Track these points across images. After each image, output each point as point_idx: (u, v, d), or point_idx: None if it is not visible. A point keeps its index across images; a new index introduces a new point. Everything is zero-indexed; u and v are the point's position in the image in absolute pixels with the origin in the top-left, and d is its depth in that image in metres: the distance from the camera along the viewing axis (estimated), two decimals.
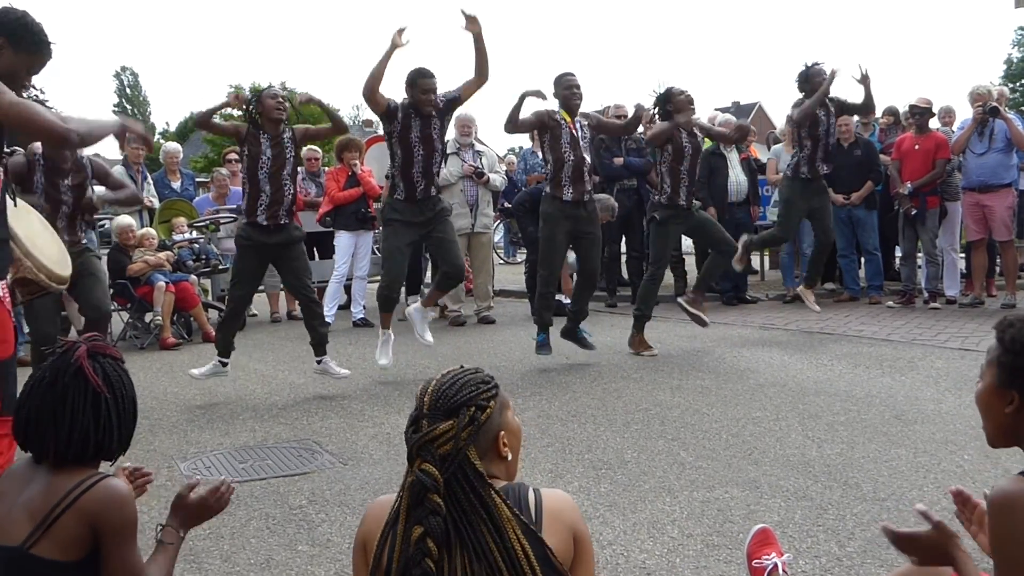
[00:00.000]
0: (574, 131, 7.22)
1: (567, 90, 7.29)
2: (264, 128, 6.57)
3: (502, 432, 2.02)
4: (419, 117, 6.76)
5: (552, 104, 7.28)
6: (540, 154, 7.83)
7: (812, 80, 8.39)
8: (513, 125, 7.20)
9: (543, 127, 7.24)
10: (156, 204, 10.59)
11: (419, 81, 6.72)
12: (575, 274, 8.09)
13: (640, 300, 8.01)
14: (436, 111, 6.80)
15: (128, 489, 2.25)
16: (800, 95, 8.56)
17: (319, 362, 6.89)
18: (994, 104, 9.35)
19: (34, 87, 4.92)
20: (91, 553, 2.16)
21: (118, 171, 10.09)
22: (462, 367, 2.05)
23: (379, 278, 12.39)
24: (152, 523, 4.07)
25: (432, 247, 7.45)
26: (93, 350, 2.28)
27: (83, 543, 2.14)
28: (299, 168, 7.75)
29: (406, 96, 6.79)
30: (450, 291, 7.80)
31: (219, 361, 6.74)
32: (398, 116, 6.75)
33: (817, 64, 8.43)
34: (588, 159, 7.32)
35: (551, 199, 7.27)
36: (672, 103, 7.71)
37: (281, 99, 6.60)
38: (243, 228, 6.69)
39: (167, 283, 9.18)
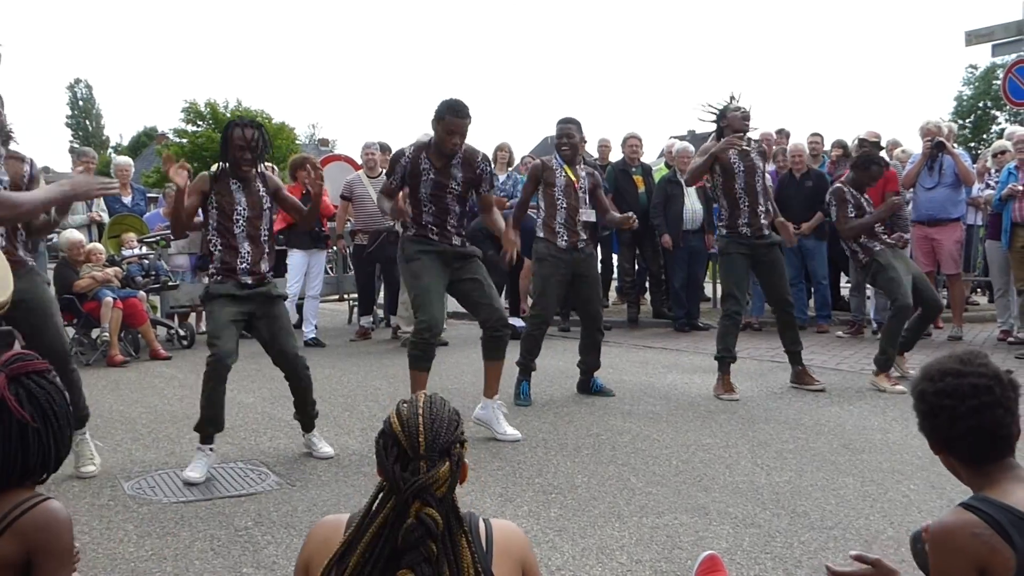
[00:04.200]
0: (573, 179, 6.94)
1: (557, 138, 7.07)
2: (233, 171, 5.32)
3: (466, 460, 1.99)
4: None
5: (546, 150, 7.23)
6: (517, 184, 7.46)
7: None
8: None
9: (537, 181, 7.01)
10: (106, 219, 10.45)
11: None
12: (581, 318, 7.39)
13: (718, 340, 7.22)
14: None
15: (67, 515, 2.17)
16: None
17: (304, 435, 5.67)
18: (940, 139, 9.52)
19: None
20: None
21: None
22: (427, 395, 1.98)
23: (332, 297, 12.43)
24: (92, 544, 4.00)
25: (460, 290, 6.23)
26: (13, 373, 2.15)
27: (16, 567, 2.06)
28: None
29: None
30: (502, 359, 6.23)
31: (207, 449, 5.20)
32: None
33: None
34: (585, 207, 6.95)
35: (545, 243, 6.96)
36: (726, 119, 7.16)
37: (252, 134, 5.24)
38: (216, 285, 5.28)
39: (115, 299, 9.04)
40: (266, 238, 5.40)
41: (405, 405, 1.94)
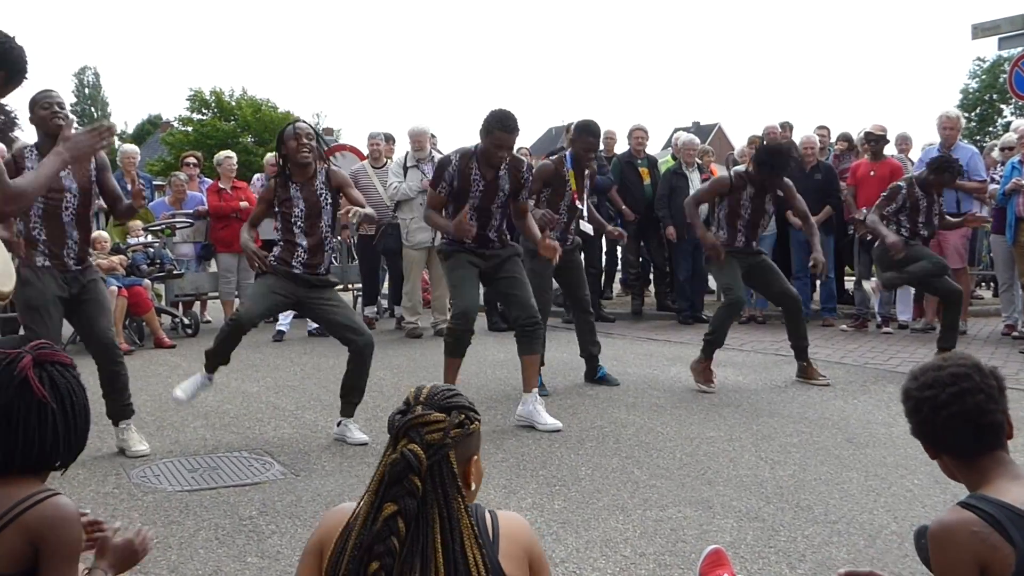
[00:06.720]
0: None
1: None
2: (292, 175, 5.62)
3: (475, 458, 2.00)
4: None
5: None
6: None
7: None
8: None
9: (546, 184, 6.94)
10: None
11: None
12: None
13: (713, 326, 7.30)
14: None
15: (75, 510, 2.17)
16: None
17: (339, 424, 5.84)
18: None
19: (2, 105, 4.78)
20: (28, 571, 2.08)
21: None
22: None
23: (337, 287, 12.45)
24: None
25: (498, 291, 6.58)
26: (40, 358, 2.19)
27: (21, 559, 2.06)
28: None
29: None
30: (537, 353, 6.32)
31: (207, 377, 5.72)
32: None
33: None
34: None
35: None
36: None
37: (305, 139, 5.53)
38: (277, 273, 5.64)
39: (120, 287, 9.05)
40: (327, 232, 5.71)
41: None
